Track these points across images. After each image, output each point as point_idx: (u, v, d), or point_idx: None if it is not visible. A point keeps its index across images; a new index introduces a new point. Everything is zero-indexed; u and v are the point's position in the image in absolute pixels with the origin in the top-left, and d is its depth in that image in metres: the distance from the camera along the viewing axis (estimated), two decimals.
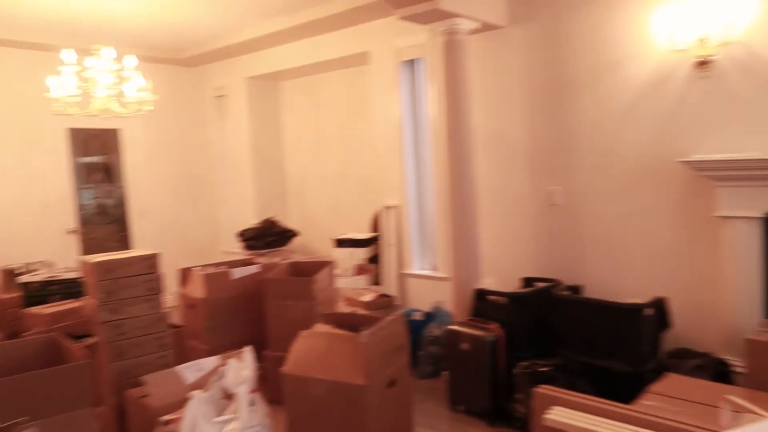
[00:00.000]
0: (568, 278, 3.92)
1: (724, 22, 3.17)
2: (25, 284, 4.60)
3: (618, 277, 3.79)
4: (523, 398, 3.19)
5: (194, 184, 6.94)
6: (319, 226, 6.35)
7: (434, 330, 4.16)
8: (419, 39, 4.68)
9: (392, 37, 4.91)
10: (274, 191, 6.66)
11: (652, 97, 3.56)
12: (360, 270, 5.33)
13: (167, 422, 2.84)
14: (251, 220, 6.28)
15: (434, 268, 4.95)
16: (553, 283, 3.81)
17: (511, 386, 3.34)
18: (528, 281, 4.02)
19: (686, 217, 3.51)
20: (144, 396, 3.06)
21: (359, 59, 5.36)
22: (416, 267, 5.04)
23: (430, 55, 4.65)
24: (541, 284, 3.85)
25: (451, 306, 4.16)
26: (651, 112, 3.58)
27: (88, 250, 5.98)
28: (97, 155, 6.30)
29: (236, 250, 6.34)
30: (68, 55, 3.99)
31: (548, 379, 2.96)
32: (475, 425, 3.44)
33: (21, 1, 4.39)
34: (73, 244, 5.98)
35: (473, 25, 3.92)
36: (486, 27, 4.10)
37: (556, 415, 2.16)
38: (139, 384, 3.18)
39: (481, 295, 3.75)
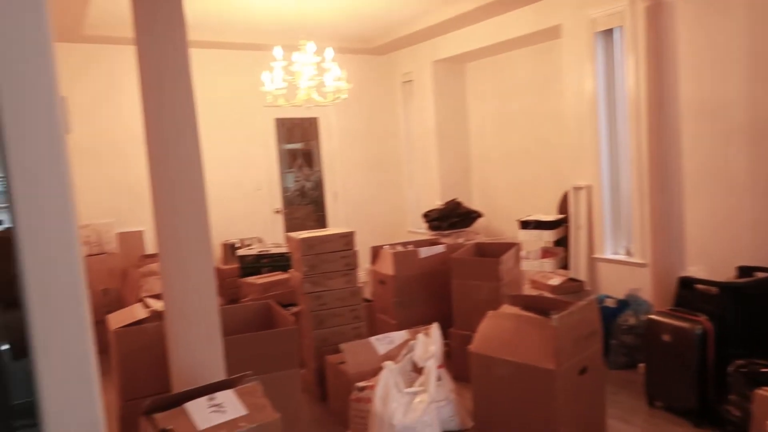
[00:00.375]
0: None
1: None
2: (242, 257, 5.23)
3: None
4: (739, 400, 2.84)
5: (382, 167, 7.28)
6: (502, 208, 6.27)
7: (629, 318, 3.88)
8: (617, 7, 4.34)
9: (586, 8, 4.61)
10: (458, 173, 6.72)
11: None
12: (546, 253, 5.17)
13: (362, 388, 3.05)
14: (436, 201, 6.41)
15: (628, 253, 4.61)
16: None
17: (722, 386, 3.00)
18: (745, 270, 3.55)
19: None
20: (341, 362, 3.32)
21: (549, 34, 5.14)
22: (608, 251, 4.73)
23: (629, 23, 4.29)
24: (762, 274, 3.37)
25: (648, 294, 3.84)
26: None
27: (290, 228, 6.62)
28: (298, 142, 6.92)
29: (420, 230, 6.53)
30: (278, 51, 4.41)
31: None
32: (677, 424, 3.15)
33: (238, 8, 4.96)
34: (279, 222, 6.66)
35: None
36: None
37: None
38: (336, 351, 3.46)
39: (687, 283, 3.40)
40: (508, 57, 6.08)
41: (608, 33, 4.62)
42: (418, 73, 6.75)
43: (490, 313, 2.96)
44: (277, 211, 6.65)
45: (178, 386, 2.23)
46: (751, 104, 3.63)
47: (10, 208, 1.25)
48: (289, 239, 3.93)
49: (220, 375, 2.30)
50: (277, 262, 5.08)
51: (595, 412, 2.88)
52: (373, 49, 6.82)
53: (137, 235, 5.60)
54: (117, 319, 3.03)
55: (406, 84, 7.07)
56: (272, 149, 6.58)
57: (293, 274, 3.92)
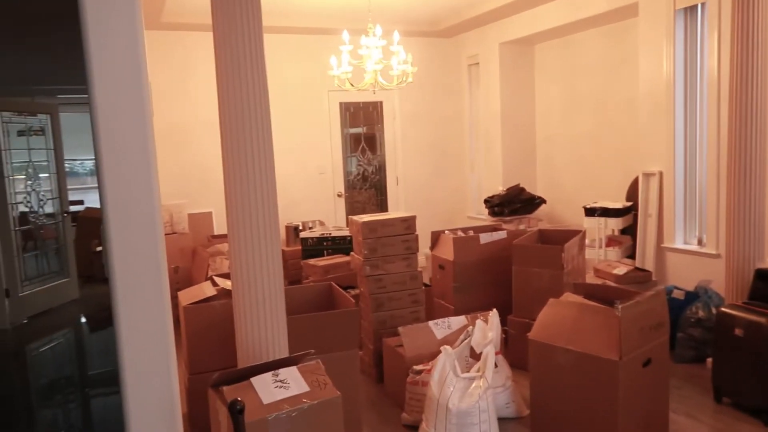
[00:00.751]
0: None
1: None
2: (304, 239, 5.34)
3: None
4: None
5: (444, 152, 7.23)
6: (567, 194, 6.12)
7: (698, 311, 3.73)
8: None
9: None
10: (523, 158, 6.59)
11: None
12: (611, 241, 5.02)
13: (419, 371, 3.08)
14: (498, 187, 6.33)
15: (700, 243, 4.42)
16: None
17: None
18: None
19: None
20: (399, 345, 3.36)
21: (624, 12, 4.94)
22: (679, 240, 4.55)
23: None
24: None
25: (721, 286, 3.68)
26: None
27: (351, 211, 6.71)
28: (361, 127, 6.98)
29: (480, 216, 6.48)
30: (346, 35, 4.44)
31: None
32: (747, 422, 3.02)
33: None
34: (341, 206, 6.76)
35: None
36: None
37: None
38: (394, 334, 3.50)
39: (765, 275, 3.24)
40: (578, 38, 5.89)
41: (690, 10, 4.39)
42: (484, 55, 6.64)
43: (552, 300, 2.91)
44: (339, 195, 6.75)
45: (244, 362, 2.33)
46: None
47: (99, 188, 1.34)
48: (351, 222, 3.99)
49: (284, 352, 2.38)
50: (339, 244, 5.16)
51: (658, 405, 2.80)
52: (439, 32, 6.74)
53: (206, 216, 5.83)
54: (187, 296, 3.18)
55: (471, 67, 6.97)
56: (336, 133, 6.67)
57: (354, 257, 3.99)
